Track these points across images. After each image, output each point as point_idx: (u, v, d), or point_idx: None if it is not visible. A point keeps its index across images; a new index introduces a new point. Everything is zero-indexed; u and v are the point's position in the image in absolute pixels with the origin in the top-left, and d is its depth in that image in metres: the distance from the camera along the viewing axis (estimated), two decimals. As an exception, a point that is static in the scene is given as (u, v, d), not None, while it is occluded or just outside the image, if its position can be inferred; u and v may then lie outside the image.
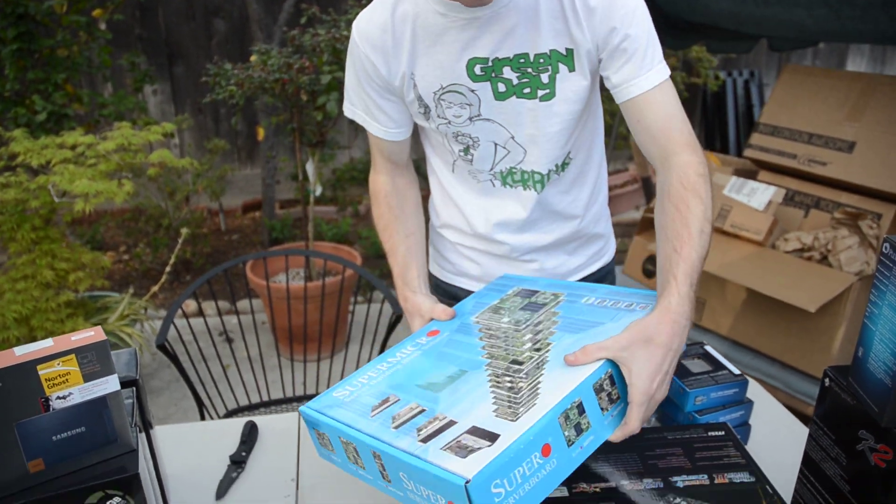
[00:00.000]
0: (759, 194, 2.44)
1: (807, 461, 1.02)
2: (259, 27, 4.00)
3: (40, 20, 3.72)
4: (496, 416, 0.85)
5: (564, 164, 1.29)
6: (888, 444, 0.84)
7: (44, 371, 0.85)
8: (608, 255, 1.50)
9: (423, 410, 0.91)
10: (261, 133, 3.91)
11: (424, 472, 0.79)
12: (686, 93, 5.58)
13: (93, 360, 0.87)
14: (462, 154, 1.28)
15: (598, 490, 1.01)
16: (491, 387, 0.91)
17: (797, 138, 2.64)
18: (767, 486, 1.03)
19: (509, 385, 0.91)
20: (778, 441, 1.24)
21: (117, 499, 0.87)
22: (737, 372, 1.25)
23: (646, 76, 1.14)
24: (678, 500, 0.99)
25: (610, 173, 5.16)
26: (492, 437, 0.81)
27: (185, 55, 5.18)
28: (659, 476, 1.03)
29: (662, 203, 1.12)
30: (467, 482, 0.74)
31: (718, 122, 5.99)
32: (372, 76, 1.23)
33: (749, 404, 1.25)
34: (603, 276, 1.48)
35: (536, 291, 1.18)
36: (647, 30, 1.15)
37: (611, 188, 4.20)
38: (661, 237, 1.09)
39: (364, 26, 1.21)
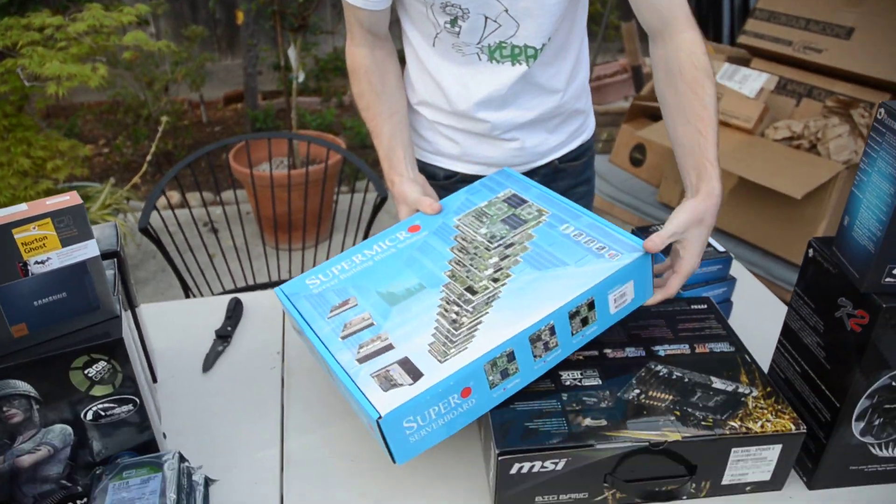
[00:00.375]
0: (750, 81, 2.40)
1: (786, 331, 1.04)
2: None
3: None
4: (429, 350, 0.90)
5: (552, 39, 1.24)
6: (865, 310, 0.86)
7: (20, 235, 0.83)
8: (588, 131, 1.47)
9: (371, 325, 0.96)
10: (240, 17, 3.76)
11: (352, 394, 0.87)
12: (681, -19, 5.38)
13: (70, 225, 0.85)
14: (448, 26, 1.21)
15: (581, 358, 1.03)
16: (437, 314, 0.95)
17: (794, 24, 2.56)
18: (746, 355, 1.05)
19: (454, 317, 0.94)
20: (758, 318, 1.26)
21: (102, 363, 0.88)
22: (721, 249, 1.26)
23: None
24: (659, 367, 1.01)
25: (599, 63, 5.05)
26: (416, 375, 0.87)
27: (156, -65, 4.90)
28: (641, 345, 1.05)
29: (674, 82, 1.11)
30: (379, 417, 0.82)
31: (712, 11, 5.81)
32: None
33: (732, 281, 1.26)
34: (583, 152, 1.45)
35: (525, 202, 1.14)
36: None
37: (600, 77, 4.11)
38: (678, 118, 1.11)
39: None
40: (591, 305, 0.94)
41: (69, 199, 0.87)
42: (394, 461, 0.86)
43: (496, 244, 1.05)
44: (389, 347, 0.92)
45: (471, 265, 1.03)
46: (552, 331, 0.92)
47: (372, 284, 1.04)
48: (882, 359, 0.86)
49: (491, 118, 1.30)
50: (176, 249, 1.98)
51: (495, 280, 0.98)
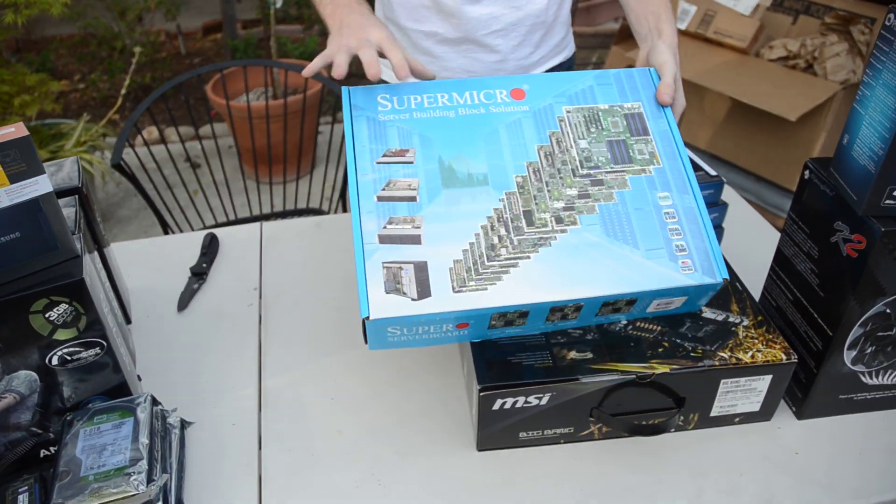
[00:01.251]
0: (746, -2, 2.30)
1: (778, 258, 1.00)
2: None
3: None
4: (451, 268, 0.81)
5: None
6: (862, 234, 0.82)
7: (-37, 173, 0.77)
8: (570, 48, 1.42)
9: (413, 199, 0.86)
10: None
11: (356, 269, 0.81)
12: None
13: (17, 159, 0.80)
14: None
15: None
16: (481, 226, 0.85)
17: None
18: (737, 283, 1.02)
19: (494, 241, 0.84)
20: (750, 244, 1.23)
21: (64, 305, 0.83)
22: (713, 173, 1.21)
23: None
24: (646, 297, 0.97)
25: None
26: (423, 292, 0.80)
27: None
28: (628, 275, 1.01)
29: None
30: (367, 318, 0.78)
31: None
32: None
33: (723, 206, 1.22)
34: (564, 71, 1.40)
35: (646, 132, 0.94)
36: None
37: (590, -1, 3.97)
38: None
39: None
40: (631, 302, 0.85)
41: (14, 130, 0.81)
42: (366, 343, 0.83)
43: (585, 171, 0.90)
44: (416, 240, 0.83)
45: (548, 182, 0.89)
46: (578, 308, 0.85)
47: (441, 143, 0.91)
48: (878, 285, 0.83)
49: (475, 13, 1.22)
50: (154, 188, 1.92)
51: (559, 220, 0.86)
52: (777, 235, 1.01)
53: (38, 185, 0.83)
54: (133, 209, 3.13)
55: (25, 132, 0.80)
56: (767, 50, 2.30)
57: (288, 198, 2.38)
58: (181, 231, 2.01)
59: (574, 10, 3.30)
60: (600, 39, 2.87)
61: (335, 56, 0.92)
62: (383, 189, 0.86)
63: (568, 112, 0.95)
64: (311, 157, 3.14)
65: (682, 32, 2.39)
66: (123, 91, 2.84)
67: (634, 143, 0.93)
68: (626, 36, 2.70)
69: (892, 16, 0.77)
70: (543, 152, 0.91)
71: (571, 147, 0.92)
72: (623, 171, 0.91)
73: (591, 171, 0.90)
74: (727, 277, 0.83)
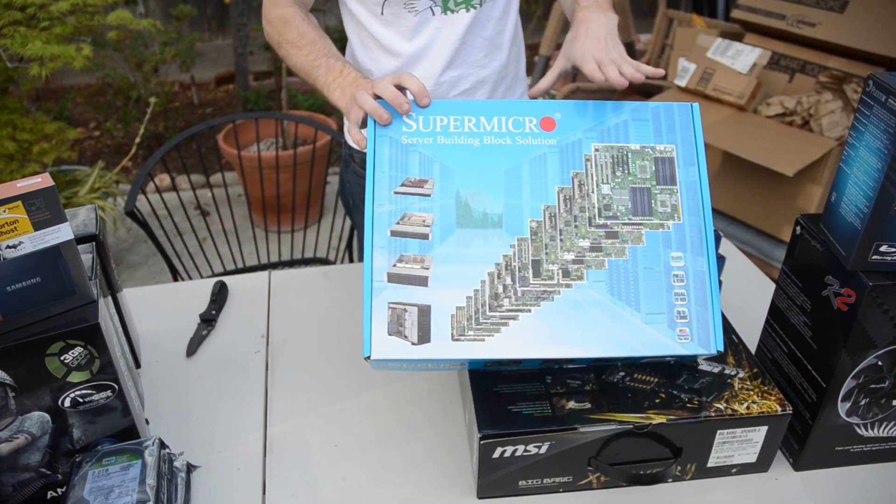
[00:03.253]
0: (743, 56, 2.37)
1: (773, 311, 1.03)
2: None
3: None
4: (453, 315, 0.83)
5: None
6: (852, 288, 0.84)
7: (-10, 220, 0.81)
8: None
9: (426, 236, 0.86)
10: (228, -5, 3.70)
11: (365, 309, 0.83)
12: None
13: (41, 208, 0.84)
14: None
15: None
16: (488, 273, 0.85)
17: (787, -2, 2.53)
18: (733, 336, 1.04)
19: (499, 290, 0.85)
20: (748, 297, 1.25)
21: (79, 349, 0.86)
22: (709, 227, 1.24)
23: None
24: (644, 347, 1.00)
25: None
26: (424, 337, 0.82)
27: (143, -88, 4.82)
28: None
29: None
30: (368, 357, 0.81)
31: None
32: None
33: (721, 260, 1.25)
34: None
35: (673, 181, 0.90)
36: None
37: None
38: None
39: None
40: (624, 359, 0.87)
41: (41, 181, 0.85)
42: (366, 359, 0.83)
43: (602, 221, 0.88)
44: (423, 282, 0.84)
45: (562, 229, 0.88)
46: (571, 360, 0.87)
47: (461, 175, 0.89)
48: (868, 338, 0.85)
49: (444, 76, 1.26)
50: (165, 234, 1.97)
51: (566, 273, 0.86)
52: (773, 288, 1.03)
53: (60, 233, 0.86)
54: (142, 255, 3.17)
55: (51, 182, 0.85)
56: (765, 107, 2.36)
57: (296, 246, 2.42)
58: (190, 277, 2.04)
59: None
60: (602, 94, 2.94)
61: (366, 109, 0.93)
62: (398, 223, 0.87)
63: (596, 150, 0.91)
64: (319, 206, 3.20)
65: (682, 89, 2.46)
66: (137, 140, 2.91)
67: (659, 194, 0.90)
68: (628, 91, 2.78)
69: (871, 82, 0.81)
70: (563, 195, 0.89)
71: (593, 192, 0.89)
72: (641, 225, 0.88)
73: (609, 222, 0.88)
74: (721, 350, 0.84)
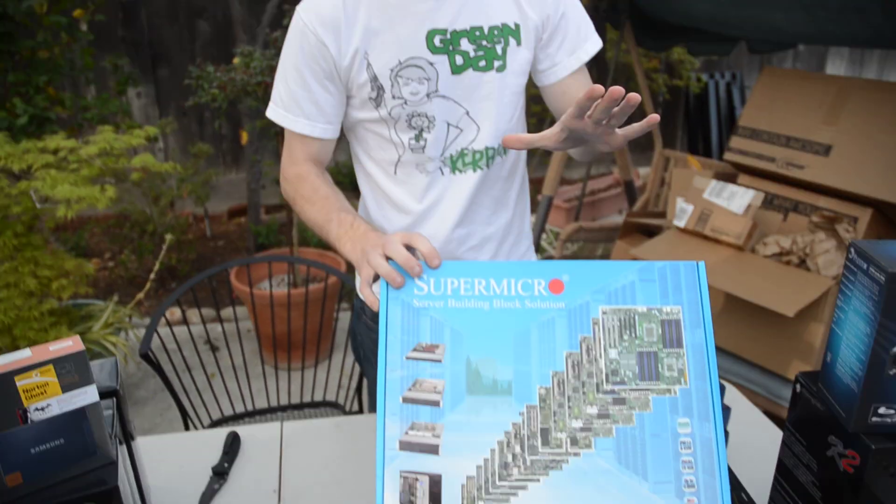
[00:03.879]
0: (738, 198, 2.47)
1: (780, 468, 1.04)
2: (242, 29, 4.00)
3: (20, 21, 3.70)
4: (463, 484, 0.85)
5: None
6: (855, 450, 0.86)
7: (22, 382, 0.85)
8: (535, 258, 1.52)
9: (437, 404, 0.88)
10: (244, 137, 3.90)
11: (377, 477, 0.84)
12: (668, 95, 5.63)
13: (71, 371, 0.88)
14: (413, 142, 1.25)
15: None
16: (498, 441, 0.87)
17: (775, 141, 2.67)
18: (743, 494, 1.05)
19: (508, 460, 0.86)
20: (756, 448, 1.26)
21: (96, 511, 0.88)
22: (713, 377, 1.27)
23: (576, 55, 1.29)
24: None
25: (593, 177, 5.20)
26: None
27: (168, 57, 5.16)
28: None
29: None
30: None
31: (701, 125, 6.04)
32: (318, 58, 1.20)
33: (727, 411, 1.26)
34: None
35: (680, 343, 0.91)
36: (579, 8, 1.30)
37: (594, 192, 4.22)
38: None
39: (313, 5, 1.20)
40: None
41: (72, 344, 0.89)
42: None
43: (609, 387, 0.89)
44: (435, 450, 0.86)
45: (570, 396, 0.89)
46: None
47: (471, 341, 0.91)
48: (879, 502, 0.86)
49: (455, 235, 1.31)
50: (174, 369, 1.99)
51: (574, 441, 0.87)
52: (781, 435, 1.04)
53: (87, 395, 0.90)
54: (151, 390, 3.18)
55: (81, 347, 0.89)
56: (762, 246, 2.44)
57: (305, 384, 2.44)
58: (198, 417, 2.05)
59: (580, 204, 3.53)
60: (605, 233, 3.04)
61: (379, 273, 0.96)
62: (410, 389, 0.89)
63: (604, 313, 0.92)
64: (329, 343, 3.24)
65: (681, 230, 2.55)
66: (152, 276, 2.99)
67: (665, 357, 0.90)
68: (629, 230, 2.87)
69: (852, 250, 0.87)
70: (571, 361, 0.90)
71: (601, 357, 0.90)
72: (648, 390, 0.89)
73: (616, 388, 0.89)
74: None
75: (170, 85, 5.21)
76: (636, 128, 0.95)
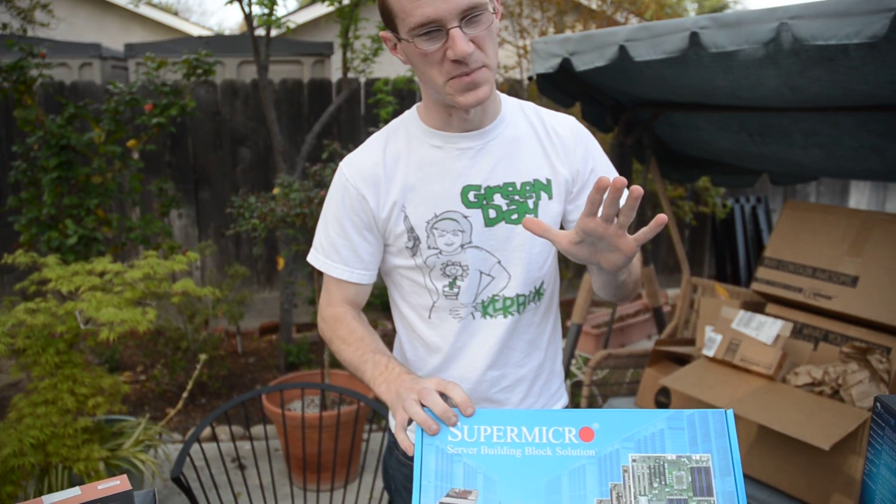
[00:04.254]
0: (766, 328, 2.49)
1: None
2: (282, 158, 4.22)
3: (80, 150, 3.96)
4: None
5: (539, 293, 1.36)
6: None
7: (72, 519, 0.89)
8: (565, 398, 1.52)
9: None
10: (281, 263, 4.04)
11: None
12: (694, 221, 5.73)
13: (120, 509, 0.91)
14: (446, 289, 1.31)
15: None
16: None
17: (801, 272, 2.71)
18: None
19: None
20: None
21: None
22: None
23: None
24: None
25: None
26: None
27: (210, 181, 5.43)
28: None
29: None
30: None
31: (728, 248, 6.11)
32: (357, 210, 1.29)
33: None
34: None
35: (710, 491, 0.92)
36: (607, 163, 1.38)
37: (623, 317, 4.25)
38: None
39: (355, 162, 1.31)
40: None
41: (119, 483, 0.94)
42: None
43: None
44: None
45: None
46: None
47: (503, 487, 0.93)
48: None
49: (487, 377, 1.35)
50: (201, 487, 2.00)
51: None
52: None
53: (133, 531, 0.93)
54: (175, 509, 3.15)
55: (129, 486, 0.93)
56: (793, 376, 2.43)
57: (330, 507, 2.41)
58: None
59: (609, 330, 3.56)
60: (634, 359, 3.05)
61: (416, 420, 1.00)
62: None
63: (634, 461, 0.93)
64: (358, 466, 3.22)
65: (709, 359, 2.56)
66: (185, 395, 3.03)
67: None
68: (659, 358, 2.88)
69: (878, 404, 0.90)
70: (610, 501, 0.91)
71: (630, 501, 0.91)
72: None
73: None
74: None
75: (210, 207, 5.45)
76: (647, 231, 1.00)
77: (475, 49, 1.13)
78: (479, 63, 1.15)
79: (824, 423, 2.18)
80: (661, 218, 0.95)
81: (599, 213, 0.98)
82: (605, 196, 0.96)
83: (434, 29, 1.11)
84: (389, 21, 1.17)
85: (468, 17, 1.11)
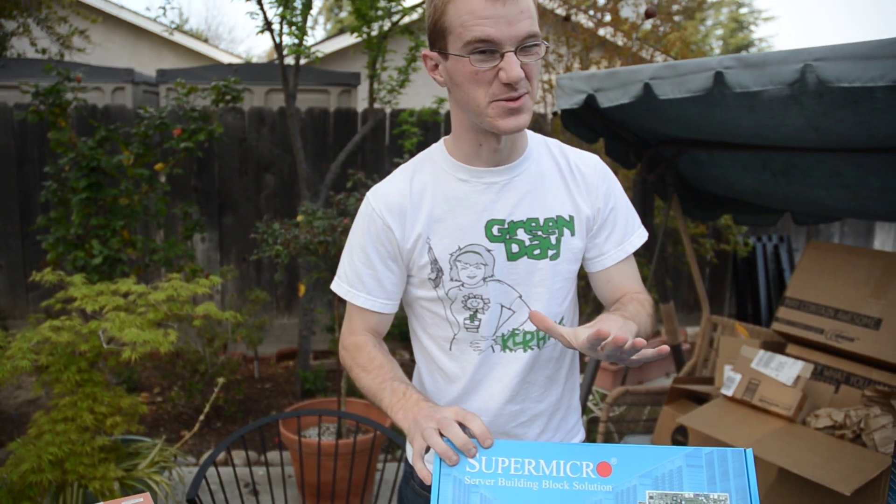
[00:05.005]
0: (787, 369, 2.46)
1: None
2: (306, 185, 4.28)
3: (109, 172, 4.05)
4: None
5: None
6: None
7: (95, 534, 0.90)
8: (582, 432, 1.52)
9: None
10: (302, 290, 4.07)
11: None
12: (716, 259, 5.70)
13: (142, 526, 0.93)
14: (467, 322, 1.32)
15: None
16: None
17: (823, 313, 2.69)
18: None
19: None
20: None
21: None
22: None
23: (623, 247, 1.38)
24: None
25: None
26: None
27: (234, 206, 5.50)
28: None
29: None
30: None
31: (750, 287, 6.05)
32: (383, 240, 1.31)
33: None
34: None
35: None
36: (627, 203, 1.40)
37: (641, 352, 4.22)
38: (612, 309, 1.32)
39: (382, 192, 1.33)
40: None
41: (142, 500, 0.95)
42: None
43: None
44: None
45: None
46: None
47: None
48: None
49: (506, 410, 1.35)
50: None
51: None
52: None
53: (153, 548, 0.94)
54: (186, 532, 3.15)
55: (151, 503, 0.95)
56: (813, 419, 2.40)
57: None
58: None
59: (627, 367, 3.53)
60: (652, 397, 3.02)
61: (436, 450, 1.01)
62: None
63: (651, 498, 0.93)
64: (372, 495, 3.20)
65: (728, 398, 2.53)
66: (202, 417, 3.05)
67: None
68: (676, 396, 2.85)
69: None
70: None
71: None
72: None
73: None
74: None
75: (233, 232, 5.52)
76: (648, 354, 1.04)
77: (524, 77, 1.15)
78: (525, 90, 1.17)
79: (845, 467, 2.15)
80: (664, 349, 1.02)
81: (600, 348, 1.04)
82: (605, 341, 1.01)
83: (490, 49, 1.13)
84: (439, 37, 1.19)
85: (525, 45, 1.14)
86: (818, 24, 36.30)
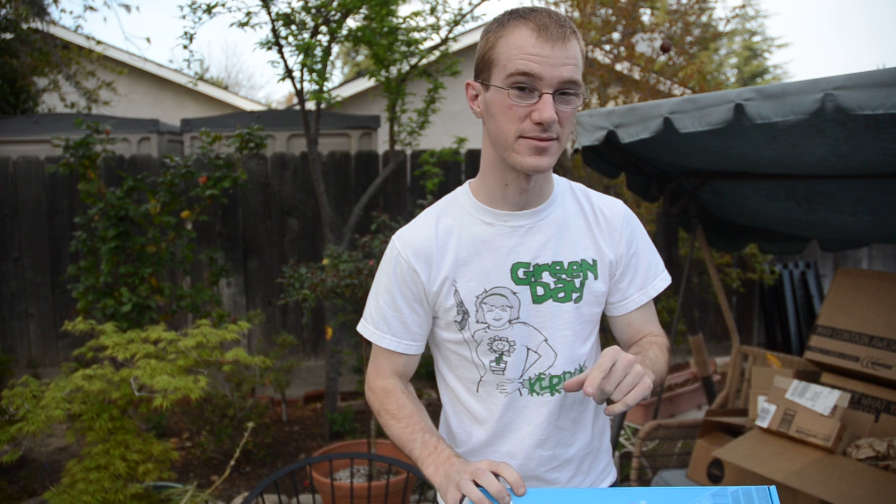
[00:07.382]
0: (822, 398, 2.42)
1: None
2: (330, 229, 4.32)
3: (137, 221, 4.13)
4: None
5: (582, 371, 1.36)
6: None
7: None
8: (613, 473, 1.51)
9: None
10: (329, 333, 4.09)
11: None
12: (742, 289, 5.65)
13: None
14: (493, 365, 1.32)
15: None
16: None
17: (858, 340, 2.65)
18: None
19: None
20: None
21: None
22: None
23: (646, 291, 1.39)
24: None
25: (670, 371, 5.14)
26: None
27: (259, 251, 5.57)
28: None
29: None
30: None
31: (778, 316, 5.98)
32: (409, 283, 1.32)
33: None
34: None
35: None
36: (650, 247, 1.41)
37: (671, 387, 4.16)
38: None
39: (408, 236, 1.34)
40: None
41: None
42: None
43: None
44: None
45: None
46: None
47: None
48: None
49: (536, 455, 1.35)
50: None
51: None
52: None
53: None
54: (218, 580, 3.13)
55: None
56: (854, 449, 2.35)
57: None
58: None
59: (659, 401, 3.49)
60: (685, 430, 2.97)
61: (473, 500, 1.03)
62: None
63: None
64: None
65: (763, 430, 2.49)
66: (232, 462, 3.05)
67: None
68: (710, 429, 2.81)
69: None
70: None
71: None
72: None
73: None
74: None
75: (258, 276, 5.57)
76: (616, 410, 1.11)
77: (557, 121, 1.18)
78: (556, 135, 1.19)
79: (891, 499, 2.09)
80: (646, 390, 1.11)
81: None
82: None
83: (529, 86, 1.16)
84: (485, 68, 1.23)
85: (563, 90, 1.17)
86: (832, 50, 36.36)
